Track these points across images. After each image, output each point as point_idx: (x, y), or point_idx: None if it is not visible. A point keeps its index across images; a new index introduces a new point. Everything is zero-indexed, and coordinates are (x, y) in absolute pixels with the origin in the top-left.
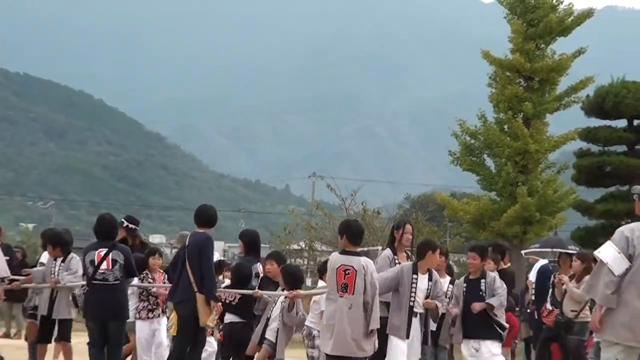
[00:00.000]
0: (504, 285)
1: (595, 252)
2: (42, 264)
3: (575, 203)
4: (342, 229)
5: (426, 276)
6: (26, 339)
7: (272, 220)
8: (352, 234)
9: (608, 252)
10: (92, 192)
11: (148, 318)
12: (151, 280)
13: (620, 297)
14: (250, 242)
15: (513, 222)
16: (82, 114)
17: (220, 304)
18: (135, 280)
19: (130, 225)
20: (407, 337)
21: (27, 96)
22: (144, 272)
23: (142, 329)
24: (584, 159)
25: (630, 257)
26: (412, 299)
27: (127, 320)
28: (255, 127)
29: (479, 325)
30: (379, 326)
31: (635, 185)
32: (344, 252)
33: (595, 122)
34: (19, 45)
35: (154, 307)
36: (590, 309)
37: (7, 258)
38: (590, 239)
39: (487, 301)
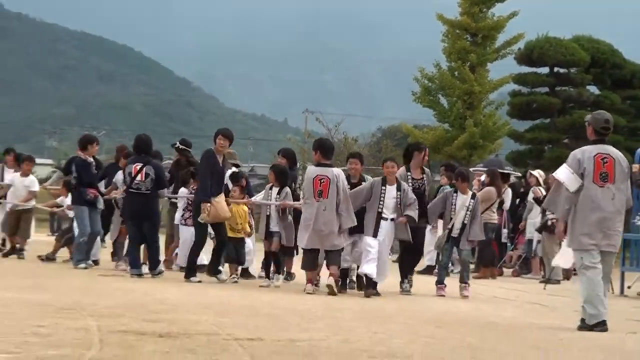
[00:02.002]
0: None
1: (554, 174)
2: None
3: (510, 132)
4: (316, 146)
5: (394, 187)
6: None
7: (274, 146)
8: (325, 150)
9: (563, 173)
10: (134, 124)
11: (192, 225)
12: (193, 192)
13: (576, 211)
14: (291, 159)
15: (462, 147)
16: (126, 63)
17: (208, 205)
18: (184, 191)
19: (183, 147)
20: (375, 236)
21: (83, 49)
22: (192, 185)
23: (185, 233)
24: (516, 98)
25: (581, 176)
26: (381, 206)
27: (175, 223)
28: (258, 73)
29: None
30: (355, 224)
31: (587, 115)
32: (319, 164)
33: (525, 69)
34: (77, 7)
35: None
36: (501, 212)
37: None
38: (521, 160)
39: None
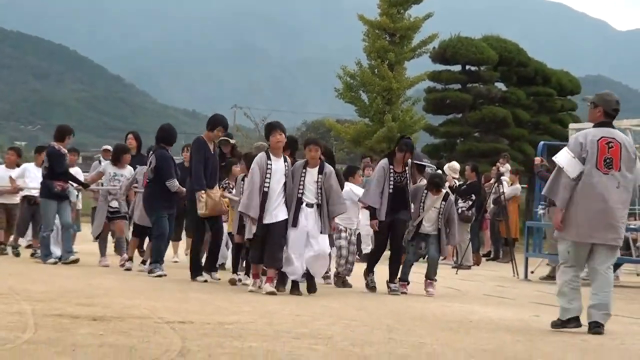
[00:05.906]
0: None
1: (553, 158)
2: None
3: (425, 126)
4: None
5: (316, 169)
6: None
7: None
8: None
9: (564, 157)
10: (68, 119)
11: None
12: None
13: (574, 199)
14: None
15: (381, 140)
16: (61, 61)
17: (203, 193)
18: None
19: (232, 141)
20: (294, 225)
21: (19, 48)
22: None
23: None
24: (431, 94)
25: (583, 161)
26: (300, 190)
27: None
28: (190, 71)
29: None
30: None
31: (587, 96)
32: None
33: (439, 67)
34: (11, 7)
35: None
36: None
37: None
38: (436, 152)
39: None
